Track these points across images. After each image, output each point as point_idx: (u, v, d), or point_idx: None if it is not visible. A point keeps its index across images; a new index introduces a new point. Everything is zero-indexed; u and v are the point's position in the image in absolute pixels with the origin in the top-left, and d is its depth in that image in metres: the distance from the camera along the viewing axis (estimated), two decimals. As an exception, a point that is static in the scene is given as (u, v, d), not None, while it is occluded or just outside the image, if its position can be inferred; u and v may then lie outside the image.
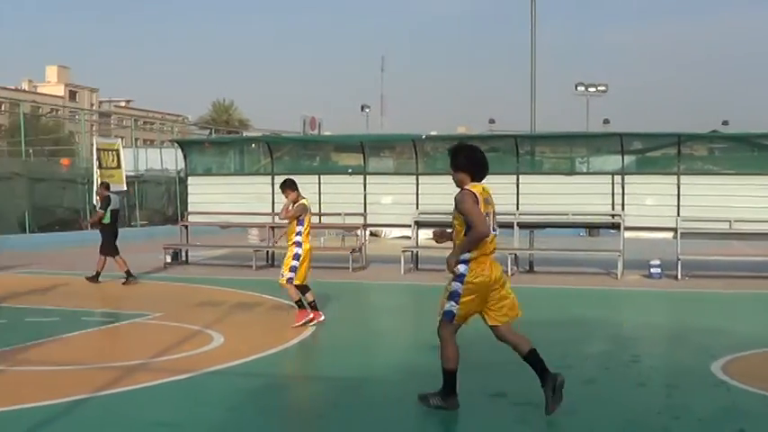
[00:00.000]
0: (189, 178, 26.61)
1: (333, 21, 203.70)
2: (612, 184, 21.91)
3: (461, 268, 8.16)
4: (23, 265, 23.55)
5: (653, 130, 26.02)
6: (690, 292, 18.98)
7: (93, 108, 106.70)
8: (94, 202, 21.83)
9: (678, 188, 21.40)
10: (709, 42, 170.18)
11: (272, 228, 23.68)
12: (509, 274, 21.33)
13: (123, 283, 19.58)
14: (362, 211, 23.62)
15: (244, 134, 61.78)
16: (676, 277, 20.47)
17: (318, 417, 8.60)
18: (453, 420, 8.33)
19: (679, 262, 20.64)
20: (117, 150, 27.79)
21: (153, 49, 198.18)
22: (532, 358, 8.32)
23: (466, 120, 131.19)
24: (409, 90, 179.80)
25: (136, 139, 53.34)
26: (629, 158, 22.78)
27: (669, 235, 22.55)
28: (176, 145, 32.26)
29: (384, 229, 33.05)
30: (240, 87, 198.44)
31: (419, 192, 22.97)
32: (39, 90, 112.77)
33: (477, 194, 8.17)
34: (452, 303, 8.21)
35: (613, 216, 21.98)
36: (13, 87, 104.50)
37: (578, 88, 74.92)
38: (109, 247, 20.03)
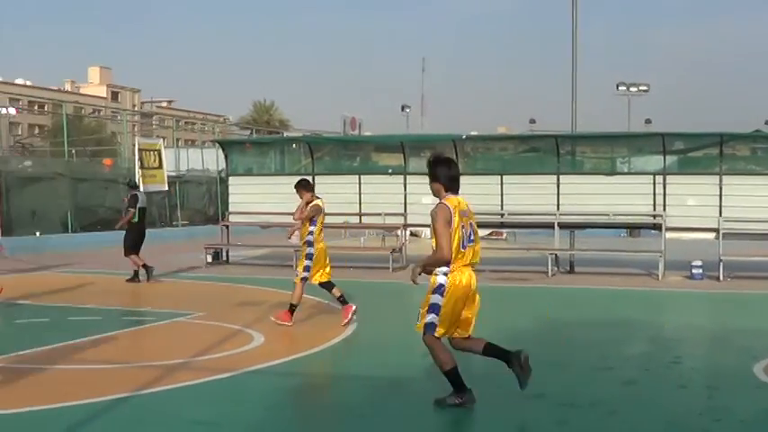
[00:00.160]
0: (230, 178, 26.72)
1: (374, 21, 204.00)
2: (654, 184, 21.77)
3: (441, 279, 8.36)
4: (65, 265, 23.75)
5: (695, 130, 25.84)
6: (732, 293, 18.80)
7: (135, 108, 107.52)
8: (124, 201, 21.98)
9: (720, 188, 21.20)
10: (750, 41, 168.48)
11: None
12: (549, 274, 21.29)
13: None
14: (402, 212, 23.62)
15: (284, 134, 61.91)
16: (718, 278, 20.31)
17: (360, 417, 8.57)
18: (494, 421, 8.32)
19: (721, 263, 20.47)
20: (159, 150, 27.85)
21: (194, 49, 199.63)
22: (491, 351, 8.62)
23: (506, 120, 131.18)
24: (449, 90, 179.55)
25: (177, 140, 53.74)
26: (670, 158, 22.59)
27: (711, 236, 22.34)
28: (217, 145, 32.44)
29: (424, 229, 32.94)
30: (281, 88, 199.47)
31: (459, 192, 22.74)
32: (81, 91, 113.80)
33: (452, 208, 8.44)
34: (433, 316, 8.37)
35: (655, 217, 21.84)
36: (55, 88, 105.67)
37: (620, 88, 74.53)
38: (130, 244, 20.27)
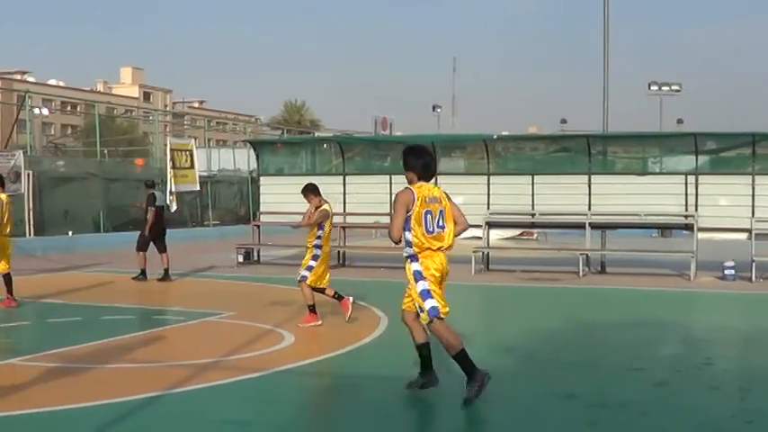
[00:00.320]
0: (261, 178, 26.85)
1: (405, 21, 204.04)
2: (686, 184, 21.70)
3: (413, 266, 8.84)
4: (97, 264, 23.93)
5: (727, 130, 25.68)
6: (764, 294, 18.65)
7: (167, 109, 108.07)
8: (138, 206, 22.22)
9: (753, 188, 21.12)
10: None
11: (344, 228, 23.70)
12: (580, 275, 21.22)
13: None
14: (433, 211, 23.47)
15: (315, 134, 62.02)
16: (750, 279, 20.20)
17: (384, 416, 8.58)
18: (524, 421, 8.30)
19: (753, 263, 20.34)
20: (190, 151, 27.87)
21: (226, 50, 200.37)
22: (425, 351, 9.00)
23: (537, 120, 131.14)
24: (481, 90, 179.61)
25: (209, 140, 53.98)
26: (702, 158, 22.47)
27: (743, 236, 22.19)
28: (249, 145, 32.53)
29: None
30: (312, 88, 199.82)
31: (490, 192, 22.85)
32: (113, 91, 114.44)
33: (416, 193, 8.86)
34: (430, 300, 8.70)
35: (686, 217, 21.74)
36: (88, 89, 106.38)
37: (651, 88, 73.99)
38: (143, 242, 20.44)
